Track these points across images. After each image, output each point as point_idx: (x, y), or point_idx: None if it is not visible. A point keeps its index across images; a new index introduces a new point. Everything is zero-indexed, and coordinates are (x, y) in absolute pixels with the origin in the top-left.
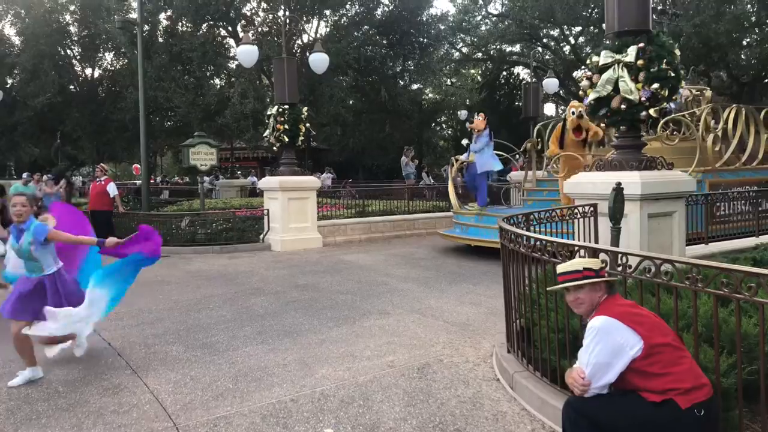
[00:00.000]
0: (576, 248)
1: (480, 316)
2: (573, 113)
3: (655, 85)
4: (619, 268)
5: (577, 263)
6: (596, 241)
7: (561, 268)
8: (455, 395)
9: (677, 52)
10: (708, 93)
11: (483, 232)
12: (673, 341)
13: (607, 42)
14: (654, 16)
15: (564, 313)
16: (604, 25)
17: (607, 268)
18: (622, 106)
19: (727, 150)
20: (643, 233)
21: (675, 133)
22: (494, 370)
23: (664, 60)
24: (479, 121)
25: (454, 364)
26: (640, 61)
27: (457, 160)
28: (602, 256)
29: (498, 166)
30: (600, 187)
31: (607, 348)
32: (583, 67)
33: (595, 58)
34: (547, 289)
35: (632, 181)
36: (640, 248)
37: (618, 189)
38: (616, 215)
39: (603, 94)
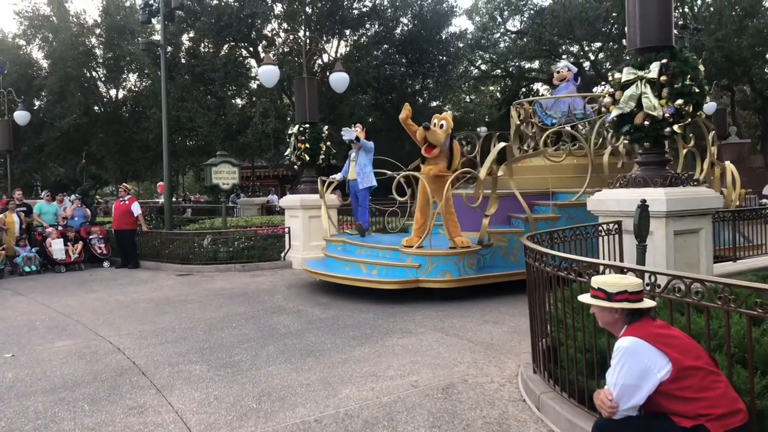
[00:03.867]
0: (601, 267)
1: (504, 335)
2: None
3: (679, 101)
4: (647, 288)
5: (598, 281)
6: (621, 259)
7: (591, 280)
8: (481, 416)
9: (701, 67)
10: None
11: (339, 266)
12: (706, 365)
13: (629, 58)
14: (675, 31)
15: (591, 333)
16: (624, 41)
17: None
18: (646, 123)
19: (630, 168)
20: (669, 251)
21: (566, 147)
22: (520, 391)
23: (688, 75)
24: (358, 132)
25: (479, 384)
26: (663, 77)
27: (327, 182)
28: (630, 274)
29: (375, 183)
30: (624, 204)
31: (633, 370)
32: (603, 82)
33: (617, 75)
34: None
35: (657, 198)
36: (667, 266)
37: (643, 206)
38: (642, 233)
39: (626, 111)
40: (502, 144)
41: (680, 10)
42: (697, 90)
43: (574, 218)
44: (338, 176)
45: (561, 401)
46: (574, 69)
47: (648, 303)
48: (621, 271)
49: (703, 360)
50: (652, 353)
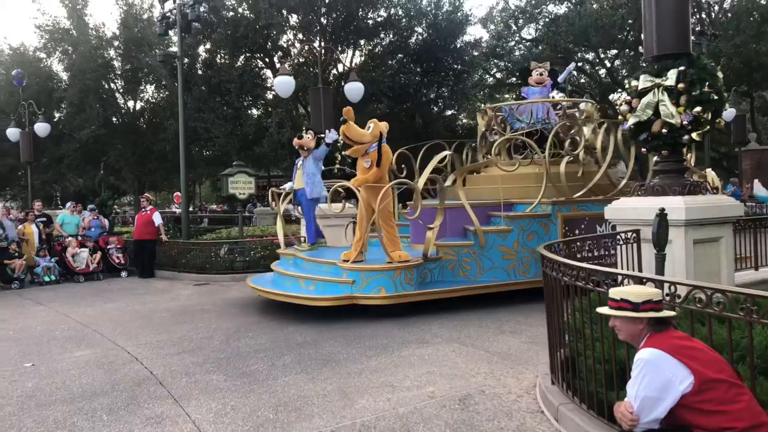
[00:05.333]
0: (620, 277)
1: (521, 346)
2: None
3: (698, 109)
4: (667, 298)
5: (621, 291)
6: (640, 269)
7: (609, 292)
8: (499, 428)
9: (720, 74)
10: (588, 106)
11: (282, 282)
12: (729, 377)
13: (645, 65)
14: (693, 38)
15: (610, 344)
16: (640, 48)
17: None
18: (663, 131)
19: (593, 177)
20: (688, 260)
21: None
22: (538, 402)
23: (707, 82)
24: (307, 139)
25: (496, 395)
26: (681, 85)
27: (278, 193)
28: (649, 284)
29: (325, 193)
30: (642, 213)
31: (654, 382)
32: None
33: (633, 83)
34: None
35: (676, 206)
36: (686, 275)
37: (661, 215)
38: (660, 242)
39: (643, 119)
40: (444, 153)
41: (697, 16)
42: (716, 97)
43: (528, 231)
44: (288, 186)
45: (580, 413)
46: (560, 78)
47: (669, 312)
48: (640, 281)
49: (726, 372)
50: (673, 365)
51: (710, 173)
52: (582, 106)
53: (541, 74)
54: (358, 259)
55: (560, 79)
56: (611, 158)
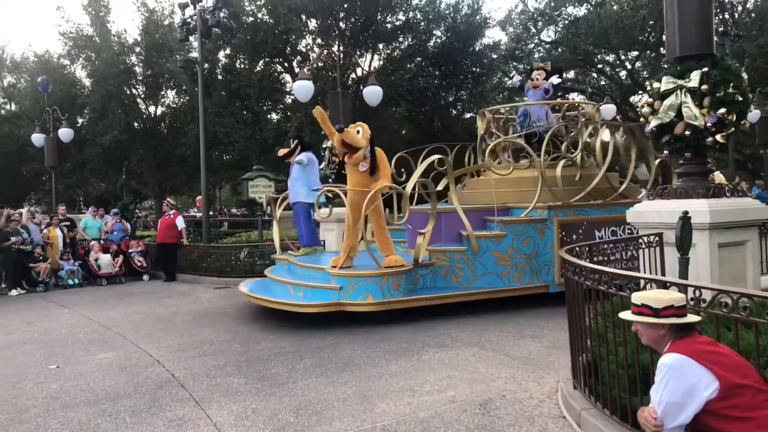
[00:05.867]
0: (643, 281)
1: (542, 350)
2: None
3: (722, 110)
4: (691, 302)
5: (642, 296)
6: (663, 273)
7: (632, 296)
8: None
9: (744, 75)
10: (589, 108)
11: (274, 288)
12: (755, 383)
13: (668, 67)
14: (716, 39)
15: (633, 348)
16: (662, 49)
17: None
18: (687, 133)
19: (590, 181)
20: (713, 264)
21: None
22: (560, 407)
23: (731, 84)
24: (285, 150)
25: (517, 400)
26: (704, 86)
27: (274, 198)
28: (672, 289)
29: (311, 199)
30: (665, 216)
31: (678, 387)
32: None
33: (656, 84)
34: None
35: (700, 209)
36: (711, 279)
37: (685, 218)
38: (684, 245)
39: (665, 121)
40: (435, 157)
41: (720, 17)
42: (740, 98)
43: (522, 236)
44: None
45: (603, 418)
46: (555, 81)
47: (693, 317)
48: (663, 285)
49: (752, 378)
50: (698, 370)
51: (718, 176)
52: (587, 108)
53: (536, 78)
54: (347, 264)
55: (545, 87)
56: (635, 161)
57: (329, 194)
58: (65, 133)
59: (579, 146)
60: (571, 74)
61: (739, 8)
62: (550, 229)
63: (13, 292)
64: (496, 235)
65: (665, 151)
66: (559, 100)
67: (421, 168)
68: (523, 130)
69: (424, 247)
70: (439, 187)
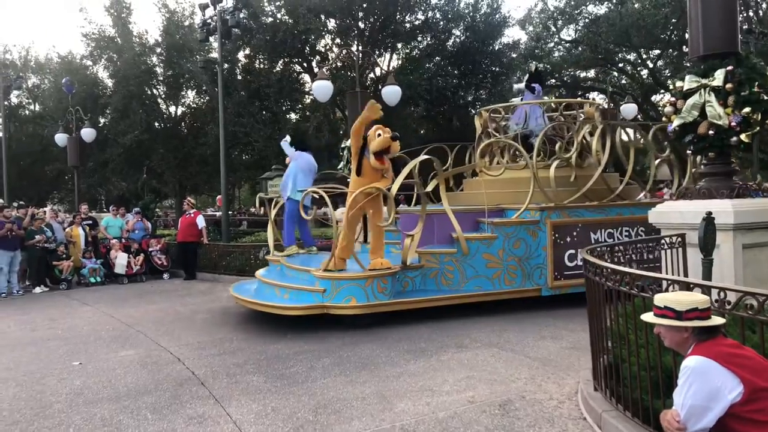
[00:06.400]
0: (665, 282)
1: (562, 351)
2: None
3: (747, 109)
4: (716, 304)
5: (665, 299)
6: (686, 274)
7: (654, 298)
8: None
9: None
10: (589, 108)
11: (262, 290)
12: None
13: (691, 66)
14: (740, 36)
15: (655, 350)
16: (685, 48)
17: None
18: (710, 132)
19: (587, 182)
20: (737, 265)
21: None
22: (580, 409)
23: (756, 83)
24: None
25: (537, 401)
26: (728, 85)
27: (268, 199)
28: (696, 290)
29: (296, 196)
30: (688, 217)
31: (702, 390)
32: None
33: (678, 83)
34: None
35: (723, 210)
36: (735, 281)
37: (708, 219)
38: (707, 246)
39: (689, 120)
40: (422, 157)
41: (744, 14)
42: (765, 97)
43: (514, 238)
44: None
45: (624, 420)
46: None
47: (718, 320)
48: (687, 286)
49: None
50: (722, 373)
51: None
52: (588, 108)
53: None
54: (339, 267)
55: (535, 87)
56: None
57: (315, 194)
58: (87, 133)
59: (574, 146)
60: (591, 73)
61: (764, 5)
62: (542, 231)
63: (37, 290)
64: (486, 237)
65: (688, 151)
66: (552, 98)
67: (406, 170)
68: (519, 130)
69: (412, 249)
70: (429, 188)
